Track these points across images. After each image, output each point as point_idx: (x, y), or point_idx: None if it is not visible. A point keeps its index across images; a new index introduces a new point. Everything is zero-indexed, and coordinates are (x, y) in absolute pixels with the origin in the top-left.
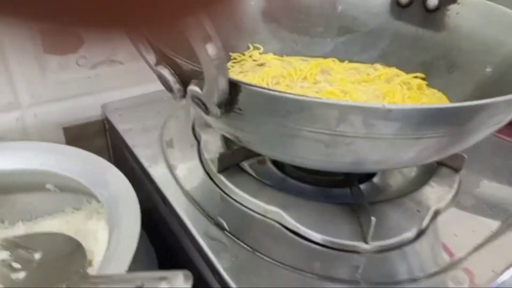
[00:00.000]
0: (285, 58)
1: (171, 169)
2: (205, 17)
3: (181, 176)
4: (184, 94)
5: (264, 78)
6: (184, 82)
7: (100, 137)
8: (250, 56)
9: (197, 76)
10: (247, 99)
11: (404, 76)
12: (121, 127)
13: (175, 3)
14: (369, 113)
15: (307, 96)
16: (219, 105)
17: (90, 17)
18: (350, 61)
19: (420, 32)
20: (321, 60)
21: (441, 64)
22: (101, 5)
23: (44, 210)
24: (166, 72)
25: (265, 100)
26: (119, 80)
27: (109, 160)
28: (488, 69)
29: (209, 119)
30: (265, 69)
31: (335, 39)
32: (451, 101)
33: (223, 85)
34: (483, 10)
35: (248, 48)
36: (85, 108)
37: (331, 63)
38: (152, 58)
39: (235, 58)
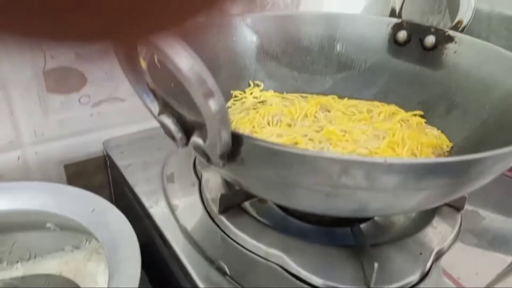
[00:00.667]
0: (285, 95)
1: (171, 208)
2: (207, 71)
3: (181, 216)
4: (186, 143)
5: (265, 116)
6: (187, 131)
7: (101, 173)
8: (251, 94)
9: (200, 127)
10: (249, 151)
11: (403, 114)
12: (121, 163)
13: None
14: (370, 167)
15: (309, 150)
16: (222, 157)
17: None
18: (350, 97)
19: (418, 70)
20: (321, 97)
21: (440, 102)
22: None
23: (44, 248)
24: (168, 122)
25: (267, 153)
26: (121, 117)
27: (110, 196)
28: (487, 109)
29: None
30: (266, 107)
31: (335, 75)
32: (450, 140)
33: (225, 138)
34: (480, 49)
35: (249, 85)
36: (86, 145)
37: (331, 100)
38: (155, 107)
39: (236, 96)
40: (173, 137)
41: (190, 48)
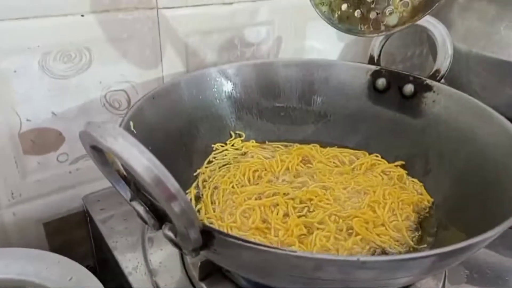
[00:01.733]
0: (266, 145)
1: (151, 273)
2: (165, 171)
3: (161, 282)
4: (159, 228)
5: (245, 173)
6: (159, 217)
7: (82, 228)
8: (232, 145)
9: (171, 220)
10: (221, 244)
11: (384, 166)
12: (101, 221)
13: None
14: (344, 265)
15: (283, 249)
16: (194, 250)
17: None
18: (332, 145)
19: (398, 117)
20: (303, 147)
21: (420, 152)
22: None
23: None
24: (140, 209)
25: (240, 248)
26: (99, 172)
27: (91, 249)
28: (465, 162)
29: None
30: (247, 163)
31: (316, 122)
32: (432, 194)
33: (194, 235)
34: (458, 99)
35: (230, 135)
36: (65, 201)
37: (313, 151)
38: (126, 193)
39: (217, 149)
40: (145, 222)
41: (144, 148)
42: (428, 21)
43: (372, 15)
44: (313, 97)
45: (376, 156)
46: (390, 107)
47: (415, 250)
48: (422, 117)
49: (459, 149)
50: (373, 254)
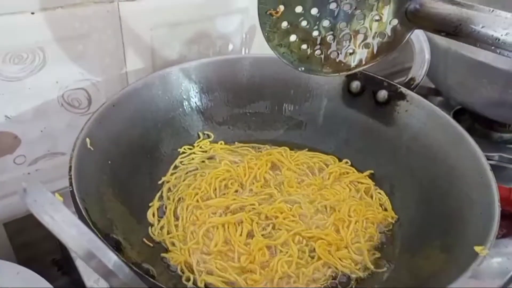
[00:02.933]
0: (235, 147)
1: None
2: (101, 244)
3: None
4: None
5: (211, 183)
6: None
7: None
8: (199, 147)
9: None
10: None
11: (353, 176)
12: None
13: None
14: None
15: None
16: None
17: None
18: (303, 147)
19: (371, 123)
20: (271, 153)
21: (389, 163)
22: None
23: None
24: None
25: None
26: (61, 170)
27: (59, 245)
28: (432, 181)
29: None
30: (214, 171)
31: (288, 121)
32: (397, 211)
33: None
34: (430, 114)
35: (199, 136)
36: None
37: (282, 156)
38: None
39: (184, 152)
40: None
41: (84, 227)
42: None
43: (333, 55)
44: (285, 96)
45: (346, 163)
46: (363, 112)
47: (374, 274)
48: (394, 125)
49: (427, 168)
50: (334, 279)
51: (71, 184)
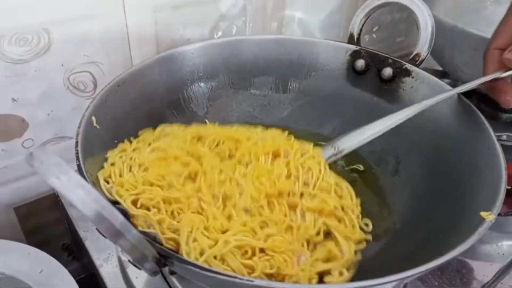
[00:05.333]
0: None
1: (122, 266)
2: (116, 213)
3: (132, 274)
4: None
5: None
6: None
7: (55, 210)
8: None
9: None
10: (180, 267)
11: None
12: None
13: None
14: None
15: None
16: (153, 273)
17: None
18: (305, 132)
19: (376, 101)
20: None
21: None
22: None
23: None
24: None
25: (200, 274)
26: (69, 154)
27: (66, 231)
28: (438, 156)
29: None
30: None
31: (293, 102)
32: (402, 186)
33: (149, 265)
34: (437, 89)
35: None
36: (35, 186)
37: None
38: None
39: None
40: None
41: (90, 186)
42: (411, 1)
43: None
44: (290, 76)
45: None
46: (368, 90)
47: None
48: (399, 103)
49: (434, 142)
50: None
51: (77, 158)
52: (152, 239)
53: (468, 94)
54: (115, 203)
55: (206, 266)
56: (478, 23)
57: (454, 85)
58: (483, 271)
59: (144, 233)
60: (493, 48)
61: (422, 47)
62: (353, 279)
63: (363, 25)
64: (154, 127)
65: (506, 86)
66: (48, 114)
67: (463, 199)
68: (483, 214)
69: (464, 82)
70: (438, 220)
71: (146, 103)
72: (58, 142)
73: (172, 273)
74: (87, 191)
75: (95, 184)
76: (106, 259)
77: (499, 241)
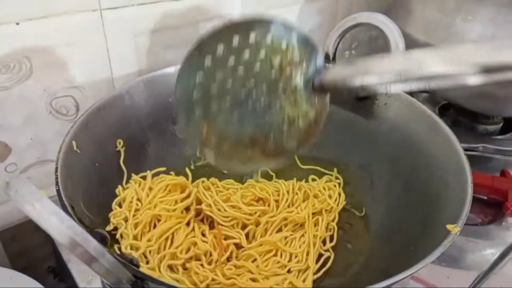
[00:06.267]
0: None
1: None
2: (83, 232)
3: None
4: None
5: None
6: None
7: (39, 233)
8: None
9: None
10: None
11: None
12: None
13: None
14: None
15: None
16: None
17: None
18: None
19: (353, 118)
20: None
21: (371, 153)
22: None
23: None
24: None
25: None
26: (52, 177)
27: (53, 252)
28: (412, 171)
29: None
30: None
31: None
32: (376, 200)
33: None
34: (408, 106)
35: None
36: (19, 210)
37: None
38: None
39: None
40: None
41: (64, 213)
42: (381, 21)
43: (270, 148)
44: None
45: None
46: (345, 107)
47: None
48: (374, 119)
49: (407, 158)
50: None
51: (57, 183)
52: (129, 262)
53: (445, 107)
54: (92, 230)
55: (179, 286)
56: (449, 39)
57: (430, 98)
58: (466, 280)
59: (121, 255)
60: None
61: None
62: None
63: (338, 44)
64: (134, 149)
65: None
66: (31, 139)
67: (433, 212)
68: (448, 226)
69: (441, 96)
70: (409, 233)
71: (127, 125)
72: (41, 166)
73: None
74: (61, 218)
75: (74, 208)
76: (90, 281)
77: (482, 251)
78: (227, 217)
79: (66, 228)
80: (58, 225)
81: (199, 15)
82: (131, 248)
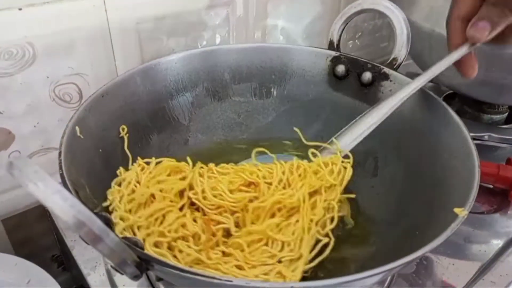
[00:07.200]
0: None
1: (110, 274)
2: (94, 218)
3: (120, 282)
4: None
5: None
6: None
7: (43, 221)
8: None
9: None
10: (162, 271)
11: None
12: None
13: None
14: None
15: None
16: (134, 277)
17: None
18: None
19: (357, 105)
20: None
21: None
22: None
23: None
24: None
25: (180, 276)
26: (56, 165)
27: (54, 242)
28: (417, 156)
29: None
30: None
31: (277, 108)
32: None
33: (130, 269)
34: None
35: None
36: (23, 197)
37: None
38: None
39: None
40: None
41: (67, 192)
42: (386, 7)
43: None
44: (273, 82)
45: None
46: (349, 94)
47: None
48: None
49: (412, 143)
50: None
51: (61, 168)
52: (133, 244)
53: (450, 96)
54: (96, 213)
55: (186, 268)
56: None
57: (435, 87)
58: (471, 269)
59: (126, 238)
60: (455, 17)
61: (399, 51)
62: None
63: (342, 31)
64: (137, 136)
65: (469, 58)
66: (34, 126)
67: (439, 197)
68: (456, 210)
69: (444, 85)
70: (415, 218)
71: (130, 112)
72: (44, 154)
73: (159, 279)
74: (64, 197)
75: (78, 192)
76: (94, 268)
77: (487, 240)
78: (213, 205)
79: (70, 206)
80: (62, 203)
81: (202, 3)
82: (121, 219)
